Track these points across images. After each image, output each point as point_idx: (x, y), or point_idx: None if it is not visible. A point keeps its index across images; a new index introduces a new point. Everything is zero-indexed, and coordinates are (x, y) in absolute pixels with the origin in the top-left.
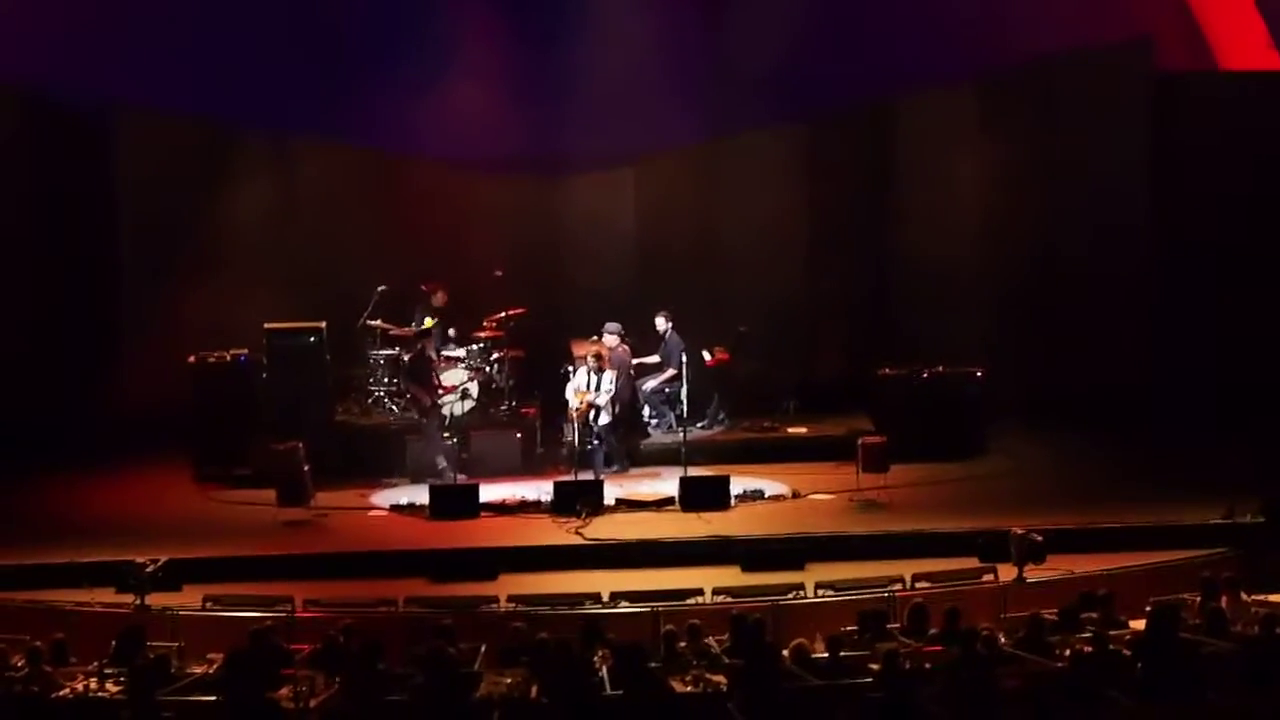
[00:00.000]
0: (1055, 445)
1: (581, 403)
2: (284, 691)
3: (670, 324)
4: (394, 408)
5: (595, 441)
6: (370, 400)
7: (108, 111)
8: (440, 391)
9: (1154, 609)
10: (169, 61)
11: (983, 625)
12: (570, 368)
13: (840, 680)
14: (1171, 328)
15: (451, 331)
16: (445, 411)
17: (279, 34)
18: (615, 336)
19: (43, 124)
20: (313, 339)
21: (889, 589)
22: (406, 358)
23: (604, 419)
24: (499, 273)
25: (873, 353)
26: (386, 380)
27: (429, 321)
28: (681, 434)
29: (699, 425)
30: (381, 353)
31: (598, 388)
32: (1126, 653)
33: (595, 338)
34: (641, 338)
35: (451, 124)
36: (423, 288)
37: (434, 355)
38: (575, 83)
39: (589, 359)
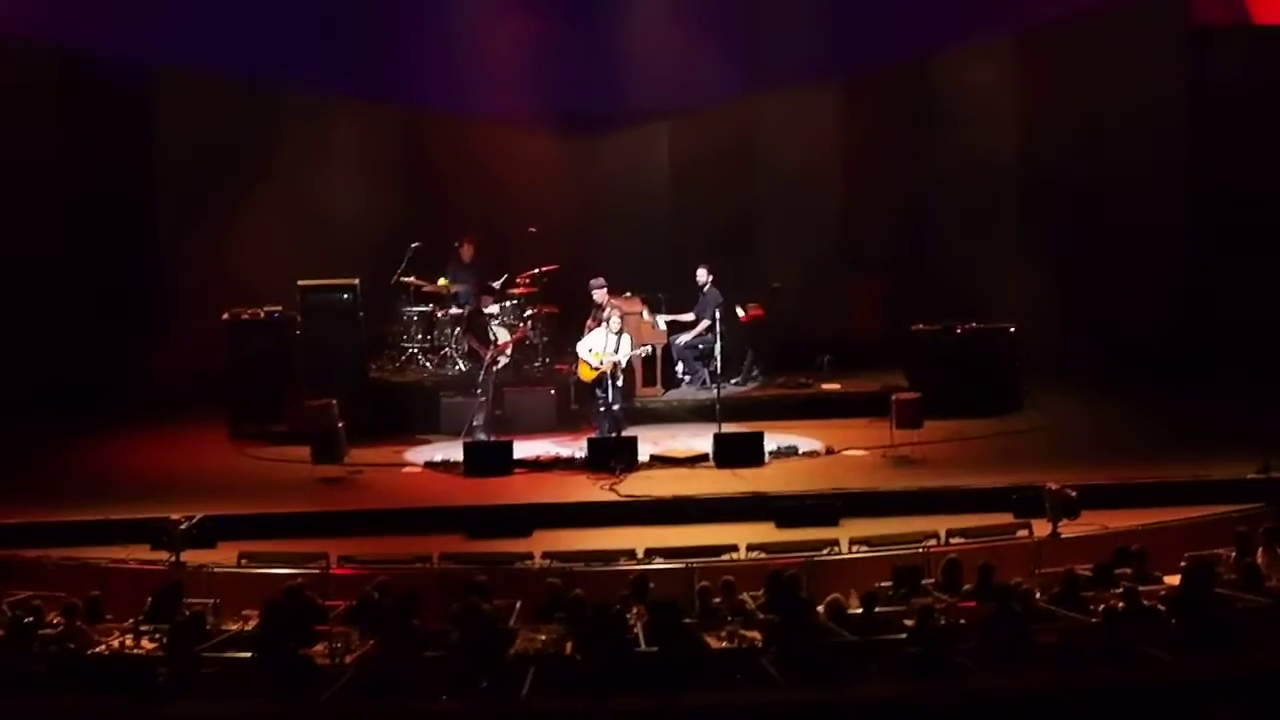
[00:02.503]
0: (1089, 400)
1: (605, 363)
2: (319, 648)
3: (711, 277)
4: (428, 364)
5: (609, 401)
6: (404, 357)
7: (145, 71)
8: (496, 347)
9: (1188, 564)
10: (205, 21)
11: (1017, 581)
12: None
13: (875, 636)
14: (1207, 281)
15: (496, 285)
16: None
17: None
18: (604, 291)
19: (80, 84)
20: (347, 295)
21: (923, 545)
22: (466, 311)
23: (620, 380)
24: (533, 229)
25: (907, 308)
26: (420, 336)
27: (442, 281)
28: (716, 390)
29: (733, 381)
30: (415, 309)
31: (616, 349)
32: (1161, 608)
33: (628, 294)
34: (677, 291)
35: (485, 81)
36: (455, 244)
37: (494, 311)
38: (609, 38)
39: (609, 319)
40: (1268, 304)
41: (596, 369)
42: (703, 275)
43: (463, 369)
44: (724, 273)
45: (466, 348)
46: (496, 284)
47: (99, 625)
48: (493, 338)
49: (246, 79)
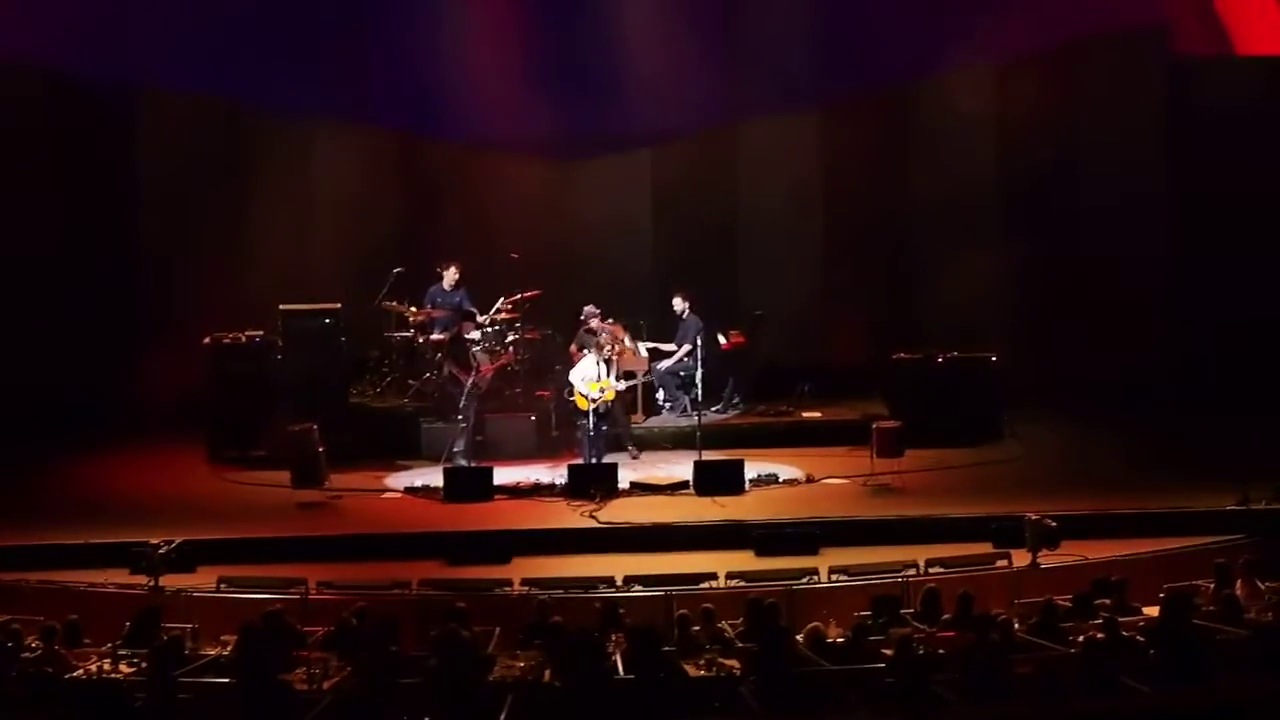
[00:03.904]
0: (1069, 430)
1: (605, 392)
2: (297, 673)
3: (688, 304)
4: (410, 388)
5: (603, 427)
6: (386, 382)
7: (128, 92)
8: (480, 374)
9: (1168, 595)
10: (190, 42)
11: (996, 611)
12: (590, 351)
13: (854, 665)
14: (1187, 313)
15: (481, 317)
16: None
17: (299, 15)
18: (598, 319)
19: (65, 104)
20: (328, 320)
21: (903, 574)
22: (446, 336)
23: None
24: (515, 254)
25: (888, 337)
26: (402, 362)
27: (412, 310)
28: (696, 417)
29: (714, 409)
30: (397, 334)
31: (607, 375)
32: (1140, 639)
33: (610, 320)
34: (659, 318)
35: (469, 106)
36: (438, 269)
37: (475, 337)
38: (593, 66)
39: (598, 347)
40: (1248, 333)
41: (597, 399)
42: (679, 303)
43: (443, 395)
44: (705, 299)
45: (448, 373)
46: (478, 312)
47: (77, 649)
48: (474, 364)
49: (231, 101)
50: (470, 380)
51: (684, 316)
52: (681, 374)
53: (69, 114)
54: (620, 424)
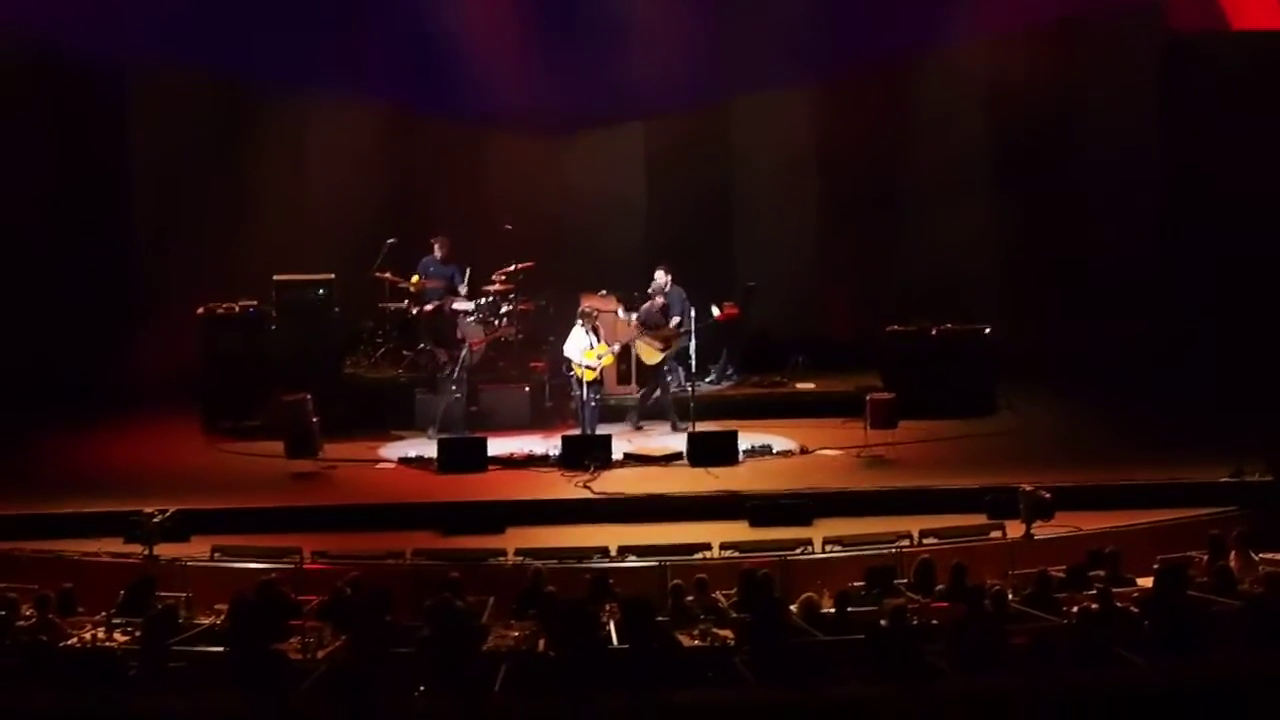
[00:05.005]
0: (1063, 402)
1: (602, 358)
2: (291, 643)
3: (669, 277)
4: (404, 359)
5: (596, 398)
6: (380, 353)
7: (121, 67)
8: (471, 347)
9: (1161, 567)
10: (182, 18)
11: (990, 582)
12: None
13: (847, 636)
14: (1181, 286)
15: (462, 288)
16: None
17: None
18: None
19: (57, 80)
20: (322, 291)
21: (897, 545)
22: (428, 310)
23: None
24: (509, 226)
25: (882, 309)
26: (396, 333)
27: (415, 279)
28: (690, 389)
29: (707, 380)
30: (391, 305)
31: (599, 342)
32: (1134, 610)
33: (603, 292)
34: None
35: (463, 79)
36: (431, 240)
37: (459, 309)
38: (587, 39)
39: (583, 316)
40: (1242, 306)
41: (596, 366)
42: (661, 277)
43: (429, 366)
44: (699, 272)
45: (431, 346)
46: (463, 285)
47: (71, 618)
48: (460, 336)
49: (224, 75)
50: (455, 355)
51: (667, 290)
52: None
53: (61, 88)
54: (665, 396)
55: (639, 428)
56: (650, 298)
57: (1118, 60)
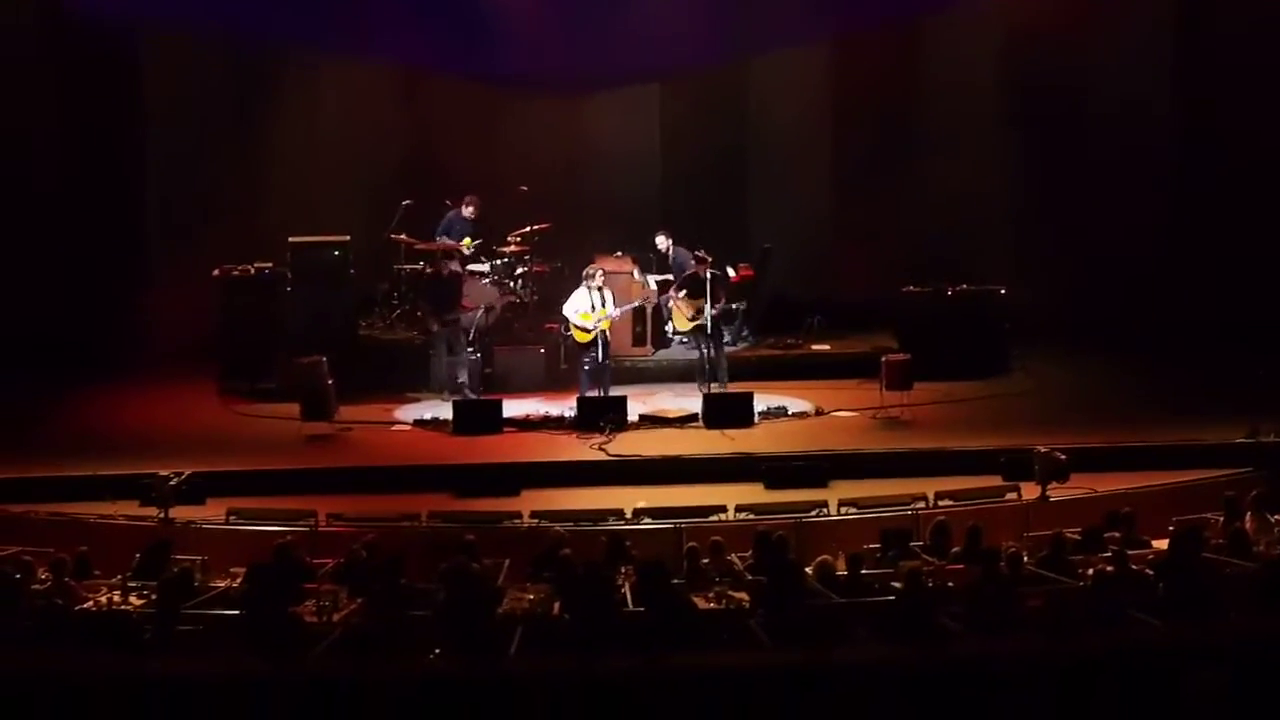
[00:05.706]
0: (1078, 363)
1: (600, 321)
2: (307, 606)
3: (670, 240)
4: (419, 321)
5: (606, 360)
6: (395, 314)
7: (134, 28)
8: (465, 309)
9: (1177, 529)
10: None
11: (1005, 544)
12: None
13: (862, 598)
14: (1196, 245)
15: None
16: (467, 326)
17: None
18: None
19: (70, 41)
20: (337, 252)
21: (912, 507)
22: (428, 272)
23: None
24: (524, 188)
25: (897, 270)
26: (411, 294)
27: (466, 242)
28: (706, 350)
29: (723, 341)
30: (406, 267)
31: (603, 305)
32: (1149, 572)
33: (619, 254)
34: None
35: (478, 40)
36: (447, 201)
37: (460, 271)
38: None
39: (588, 277)
40: (1258, 265)
41: (592, 329)
42: (662, 241)
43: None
44: (714, 233)
45: (419, 312)
46: (467, 249)
47: (87, 581)
48: (466, 303)
49: (240, 34)
50: (446, 321)
51: (668, 252)
52: None
53: (74, 49)
54: (715, 355)
55: (707, 389)
56: (674, 264)
57: (1133, 14)
